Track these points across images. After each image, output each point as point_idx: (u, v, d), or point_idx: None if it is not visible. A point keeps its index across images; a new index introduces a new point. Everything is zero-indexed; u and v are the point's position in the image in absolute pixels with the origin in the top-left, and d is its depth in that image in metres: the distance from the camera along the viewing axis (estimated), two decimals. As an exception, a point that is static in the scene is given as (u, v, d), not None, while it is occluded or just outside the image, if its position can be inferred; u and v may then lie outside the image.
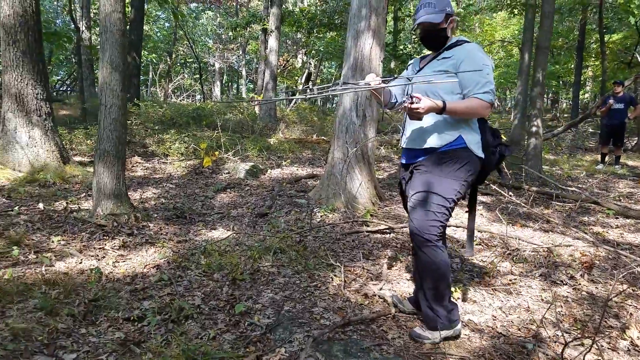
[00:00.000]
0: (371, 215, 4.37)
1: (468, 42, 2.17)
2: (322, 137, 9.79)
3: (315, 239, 3.64)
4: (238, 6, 22.23)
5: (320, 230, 3.86)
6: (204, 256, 3.08)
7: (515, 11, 9.31)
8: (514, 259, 3.38)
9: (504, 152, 2.22)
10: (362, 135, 4.62)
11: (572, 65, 15.46)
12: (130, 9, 10.00)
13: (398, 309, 2.46)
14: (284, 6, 13.33)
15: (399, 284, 2.85)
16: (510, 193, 4.74)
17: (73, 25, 13.23)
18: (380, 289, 2.69)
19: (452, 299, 2.28)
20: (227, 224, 3.99)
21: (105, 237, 3.35)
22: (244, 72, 25.79)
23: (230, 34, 17.68)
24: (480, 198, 5.51)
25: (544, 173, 6.75)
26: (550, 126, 12.64)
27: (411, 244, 2.36)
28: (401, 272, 3.06)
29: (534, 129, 6.50)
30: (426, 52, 2.30)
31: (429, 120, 2.09)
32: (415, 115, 1.94)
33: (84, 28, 11.09)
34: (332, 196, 4.63)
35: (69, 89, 19.81)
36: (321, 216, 4.31)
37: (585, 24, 13.13)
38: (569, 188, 5.97)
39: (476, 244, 3.72)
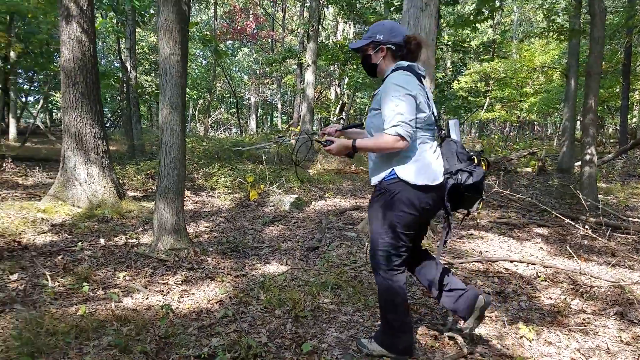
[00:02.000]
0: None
1: (400, 69, 2.09)
2: (361, 168, 9.78)
3: (370, 274, 3.57)
4: (273, 42, 23.13)
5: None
6: (263, 291, 3.07)
7: (562, 37, 9.09)
8: (584, 296, 3.19)
9: (462, 180, 2.04)
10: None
11: (618, 89, 14.94)
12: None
13: (470, 350, 2.35)
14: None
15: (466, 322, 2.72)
16: (586, 227, 4.50)
17: (119, 65, 14.11)
18: (450, 329, 2.58)
19: (408, 331, 2.22)
20: (280, 257, 3.99)
21: (167, 272, 3.41)
22: (279, 105, 26.55)
23: (267, 69, 18.33)
24: (537, 230, 5.28)
25: (601, 202, 6.42)
26: (597, 152, 12.11)
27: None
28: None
29: (587, 157, 6.24)
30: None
31: (371, 158, 2.22)
32: (332, 154, 2.20)
33: (130, 68, 11.83)
34: (383, 229, 4.54)
35: (112, 125, 20.90)
36: (373, 250, 4.23)
37: (630, 47, 12.74)
38: (630, 218, 5.64)
39: (541, 280, 3.53)
